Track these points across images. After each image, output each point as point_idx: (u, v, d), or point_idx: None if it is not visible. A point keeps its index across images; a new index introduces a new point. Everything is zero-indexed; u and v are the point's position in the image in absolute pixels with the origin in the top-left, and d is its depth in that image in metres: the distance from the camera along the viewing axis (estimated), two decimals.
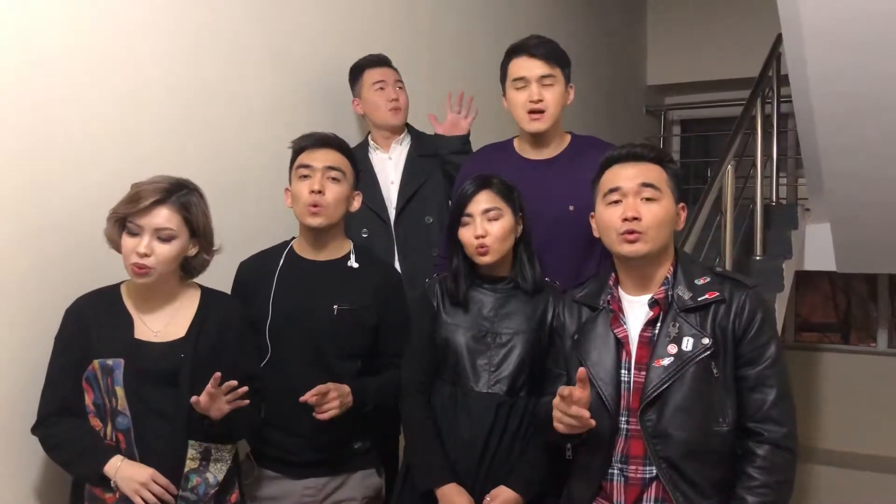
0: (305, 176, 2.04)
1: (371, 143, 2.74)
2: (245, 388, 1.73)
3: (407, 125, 2.78)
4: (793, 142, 5.13)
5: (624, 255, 1.73)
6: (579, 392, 1.62)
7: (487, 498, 1.91)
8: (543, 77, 2.20)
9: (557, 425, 1.67)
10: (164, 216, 1.76)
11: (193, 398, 1.70)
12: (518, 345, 1.96)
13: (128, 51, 2.08)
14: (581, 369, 1.65)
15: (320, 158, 2.06)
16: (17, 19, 1.81)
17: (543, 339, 1.96)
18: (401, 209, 2.63)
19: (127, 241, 1.75)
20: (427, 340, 2.03)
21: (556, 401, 1.65)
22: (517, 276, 2.00)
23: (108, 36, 2.03)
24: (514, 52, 2.25)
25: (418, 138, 2.77)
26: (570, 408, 1.62)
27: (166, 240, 1.76)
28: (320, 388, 1.92)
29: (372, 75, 2.70)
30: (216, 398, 1.70)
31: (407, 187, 2.64)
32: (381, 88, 2.68)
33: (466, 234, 1.97)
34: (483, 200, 1.97)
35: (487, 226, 1.95)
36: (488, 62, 3.74)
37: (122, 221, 1.75)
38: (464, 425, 1.95)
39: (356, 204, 2.14)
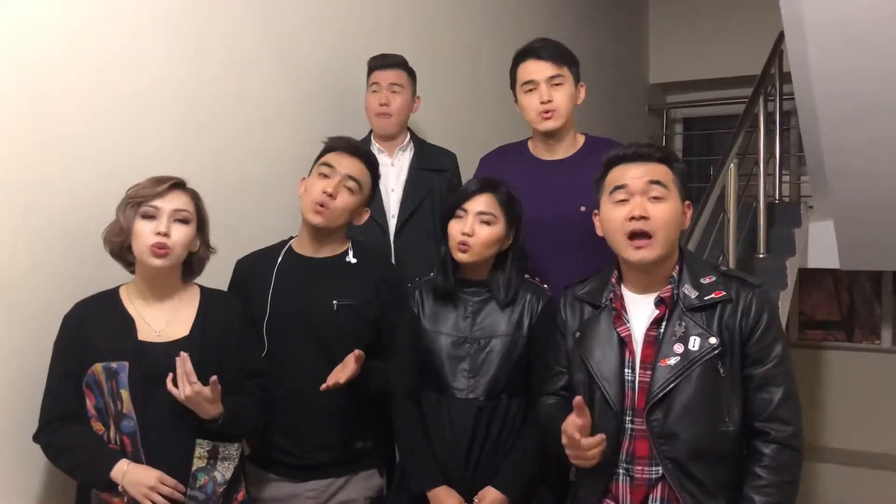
0: (325, 175, 2.06)
1: (374, 143, 2.72)
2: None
3: (410, 131, 2.75)
4: (796, 139, 5.11)
5: (632, 263, 1.72)
6: (581, 422, 1.62)
7: (475, 500, 1.94)
8: (552, 77, 2.21)
9: (576, 462, 1.66)
10: (181, 199, 1.81)
11: (172, 387, 1.69)
12: (496, 349, 1.97)
13: (129, 52, 2.08)
14: (577, 398, 1.63)
15: (345, 164, 2.07)
16: (20, 21, 1.81)
17: (522, 341, 1.97)
18: (403, 223, 2.61)
19: (143, 225, 1.77)
20: (411, 346, 2.05)
21: (566, 441, 1.64)
22: (493, 286, 2.01)
23: (109, 37, 2.03)
24: (521, 56, 2.26)
25: (421, 148, 2.74)
26: (580, 445, 1.62)
27: (183, 222, 1.80)
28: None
29: (372, 76, 2.70)
30: (199, 399, 1.70)
31: (409, 202, 2.62)
32: (375, 91, 2.67)
33: (455, 228, 1.98)
34: (482, 202, 1.98)
35: (477, 227, 1.96)
36: (491, 62, 3.77)
37: (138, 206, 1.77)
38: (447, 430, 1.97)
39: (362, 219, 2.16)
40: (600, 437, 1.63)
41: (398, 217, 2.62)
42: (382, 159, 2.68)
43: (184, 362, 1.69)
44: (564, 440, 1.65)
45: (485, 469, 1.96)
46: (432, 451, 1.98)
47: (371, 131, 2.76)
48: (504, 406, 1.97)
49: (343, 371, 1.94)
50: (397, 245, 2.60)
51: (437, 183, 2.66)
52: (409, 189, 2.64)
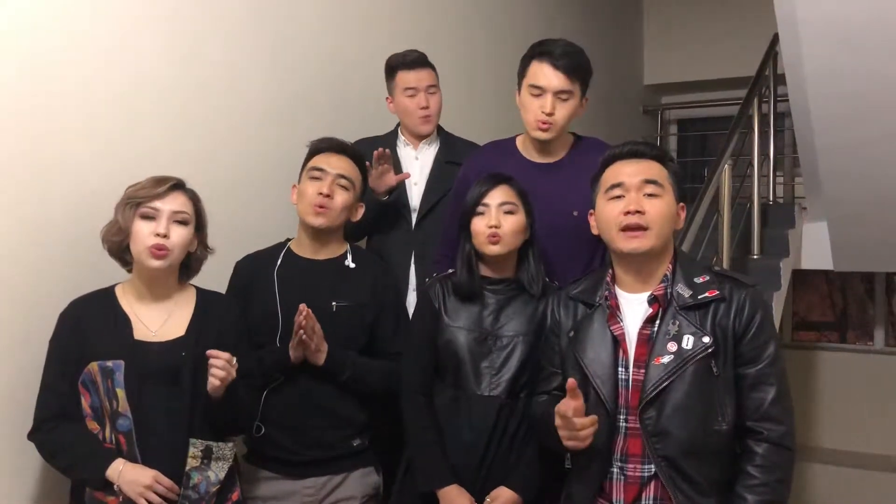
0: (317, 178, 2.08)
1: (401, 136, 2.70)
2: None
3: (437, 126, 2.72)
4: (790, 141, 5.13)
5: (626, 252, 1.72)
6: (574, 404, 1.63)
7: (488, 499, 1.93)
8: (561, 92, 2.13)
9: (569, 443, 1.66)
10: (181, 201, 1.81)
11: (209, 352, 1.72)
12: (519, 347, 1.97)
13: (124, 49, 2.08)
14: (570, 380, 1.65)
15: (334, 164, 2.10)
16: (14, 18, 1.81)
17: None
18: (423, 216, 2.59)
19: (142, 226, 1.77)
20: (427, 341, 2.04)
21: (559, 423, 1.65)
22: (524, 279, 2.02)
23: (106, 35, 2.03)
24: (540, 55, 2.16)
25: (447, 141, 2.71)
26: (574, 424, 1.63)
27: (182, 223, 1.80)
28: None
29: (404, 79, 2.62)
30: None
31: (431, 194, 2.60)
32: (412, 95, 2.61)
33: (479, 224, 1.99)
34: (501, 194, 2.00)
35: (502, 218, 1.97)
36: (486, 61, 3.77)
37: (138, 207, 1.77)
38: (465, 428, 1.96)
39: (358, 214, 2.17)
40: (593, 417, 1.64)
41: (419, 210, 2.61)
42: (408, 152, 2.68)
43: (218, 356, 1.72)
44: (558, 421, 1.65)
45: (498, 469, 1.95)
46: (443, 448, 1.97)
47: (398, 125, 2.72)
48: (523, 404, 1.97)
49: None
50: (416, 238, 2.58)
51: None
52: (432, 182, 2.63)
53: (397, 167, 2.61)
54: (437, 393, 2.03)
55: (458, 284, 2.03)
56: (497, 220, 1.97)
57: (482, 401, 1.96)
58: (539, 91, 2.15)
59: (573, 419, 1.63)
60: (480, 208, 1.99)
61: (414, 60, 2.63)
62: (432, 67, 2.68)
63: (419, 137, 2.68)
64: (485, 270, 2.04)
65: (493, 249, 1.98)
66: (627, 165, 1.76)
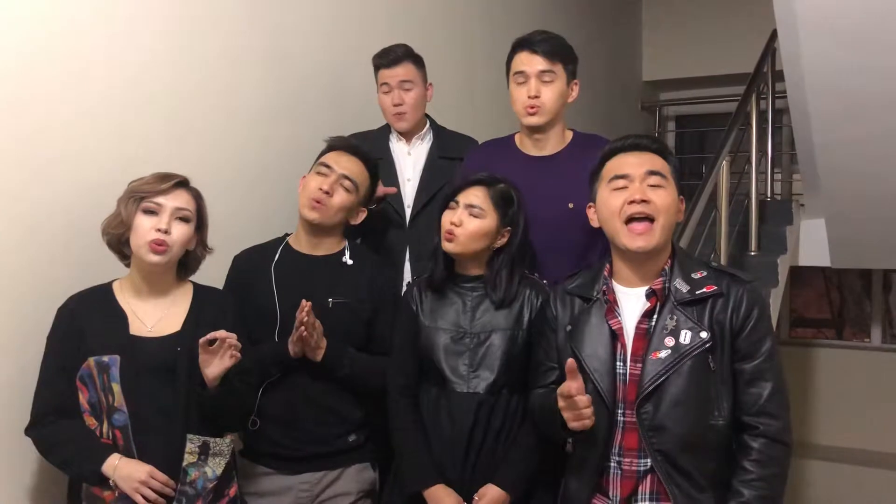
0: (322, 174, 2.08)
1: (393, 131, 2.66)
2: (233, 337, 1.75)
3: (429, 118, 2.70)
4: (788, 137, 5.14)
5: (632, 251, 1.71)
6: (575, 385, 1.62)
7: (476, 497, 1.93)
8: (543, 73, 2.19)
9: (574, 424, 1.66)
10: (184, 198, 1.82)
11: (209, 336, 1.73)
12: (496, 343, 1.97)
13: (121, 46, 2.07)
14: (570, 360, 1.65)
15: (343, 164, 2.10)
16: (10, 17, 1.80)
17: (522, 336, 1.97)
18: (417, 212, 2.56)
19: (144, 221, 1.77)
20: (409, 344, 2.05)
21: (563, 404, 1.65)
22: (486, 284, 2.01)
23: (101, 31, 2.02)
24: (517, 46, 2.26)
25: (440, 136, 2.68)
26: (578, 403, 1.63)
27: (184, 220, 1.81)
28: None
29: (381, 75, 2.61)
30: (215, 353, 1.75)
31: (424, 191, 2.57)
32: (387, 92, 2.60)
33: (445, 218, 2.00)
34: (473, 195, 2.00)
35: (465, 218, 1.97)
36: (485, 57, 3.77)
37: (141, 201, 1.77)
38: (446, 426, 1.96)
39: (358, 218, 2.17)
40: (590, 397, 1.65)
41: (413, 207, 2.58)
42: (400, 148, 2.65)
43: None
44: (562, 403, 1.65)
45: (483, 467, 1.94)
46: (428, 449, 1.97)
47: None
48: (504, 401, 1.96)
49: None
50: (411, 235, 2.55)
51: (455, 172, 2.53)
52: (426, 179, 2.59)
53: (390, 163, 2.59)
54: (423, 391, 2.03)
55: (427, 279, 2.05)
56: (459, 218, 1.97)
57: (461, 398, 1.96)
58: (523, 77, 2.22)
59: (576, 398, 1.63)
60: (452, 203, 2.01)
61: (392, 60, 2.59)
62: (414, 62, 2.63)
63: (402, 133, 2.65)
64: (461, 268, 2.04)
65: (447, 247, 1.99)
66: (631, 157, 1.77)
